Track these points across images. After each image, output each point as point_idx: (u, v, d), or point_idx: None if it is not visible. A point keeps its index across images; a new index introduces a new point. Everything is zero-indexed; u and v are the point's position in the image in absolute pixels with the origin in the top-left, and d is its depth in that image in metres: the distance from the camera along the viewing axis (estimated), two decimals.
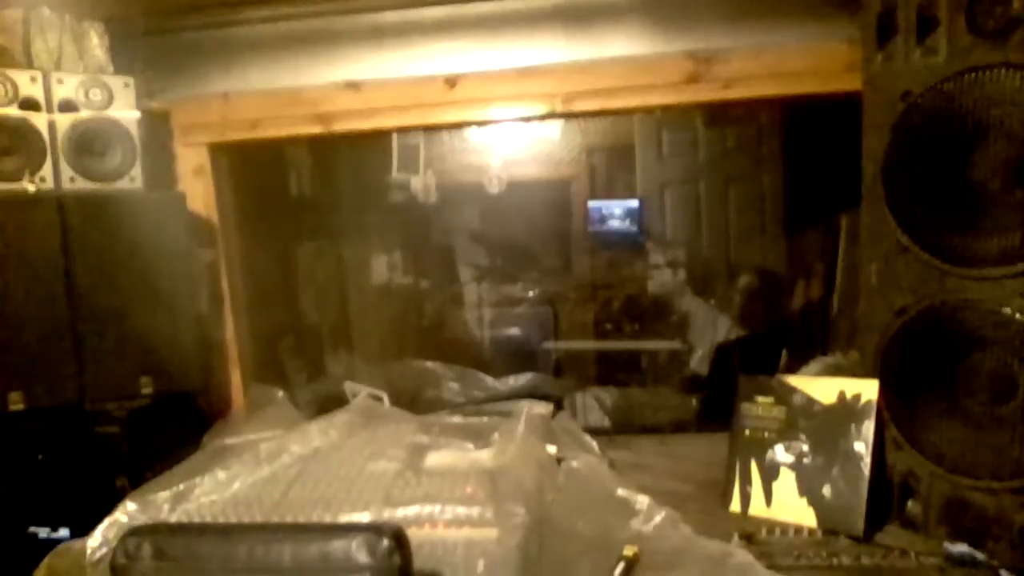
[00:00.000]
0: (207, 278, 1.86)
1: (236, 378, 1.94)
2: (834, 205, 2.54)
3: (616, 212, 3.39)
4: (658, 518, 1.33)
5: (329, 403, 1.87)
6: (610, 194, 3.57)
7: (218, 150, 1.88)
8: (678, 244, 3.40)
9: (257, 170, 2.18)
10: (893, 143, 1.28)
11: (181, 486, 1.41)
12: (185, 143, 1.85)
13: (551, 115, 1.71)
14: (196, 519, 1.33)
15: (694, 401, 2.64)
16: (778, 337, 2.60)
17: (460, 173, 3.39)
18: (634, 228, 3.37)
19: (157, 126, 1.78)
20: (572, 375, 2.87)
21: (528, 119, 1.76)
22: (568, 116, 1.73)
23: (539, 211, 3.64)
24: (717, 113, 3.20)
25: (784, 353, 2.53)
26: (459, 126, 1.85)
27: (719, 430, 1.87)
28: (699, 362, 2.83)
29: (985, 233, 1.19)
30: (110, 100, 1.59)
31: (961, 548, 1.24)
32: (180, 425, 1.69)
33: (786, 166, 3.07)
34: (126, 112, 1.60)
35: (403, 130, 1.82)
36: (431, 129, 1.85)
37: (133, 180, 1.62)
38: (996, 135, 1.16)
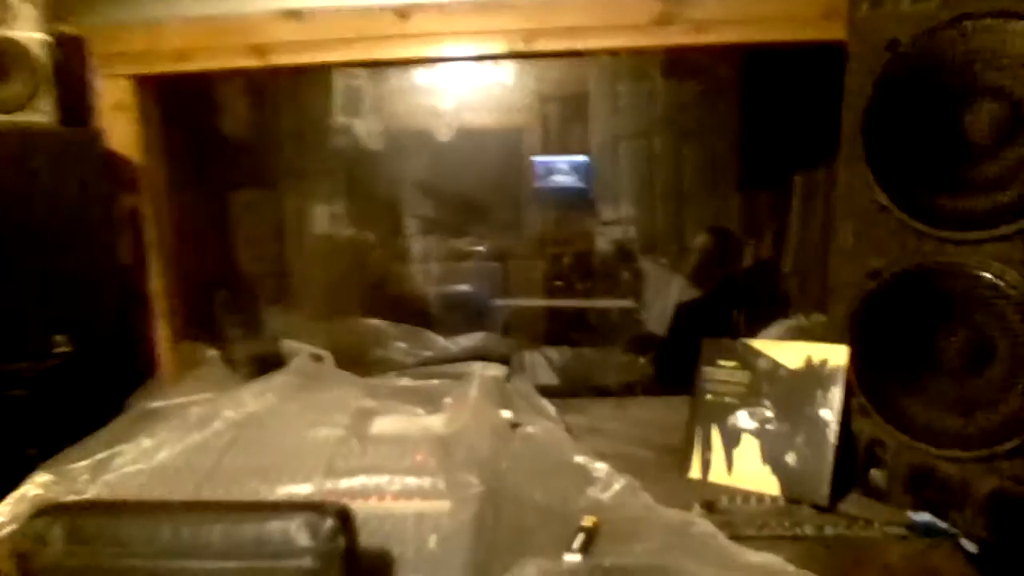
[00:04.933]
0: (130, 225, 1.70)
1: (163, 335, 1.79)
2: (791, 165, 2.50)
3: (563, 168, 3.28)
4: (617, 486, 1.28)
5: (266, 363, 1.76)
6: (564, 145, 3.46)
7: (143, 83, 1.70)
8: (631, 201, 3.32)
9: (188, 108, 2.00)
10: (876, 95, 1.21)
11: (101, 455, 1.30)
12: (105, 74, 1.66)
13: (512, 54, 1.59)
14: (118, 490, 1.22)
15: (646, 362, 2.60)
16: (733, 297, 2.57)
17: (407, 118, 3.23)
18: (582, 185, 3.26)
19: (70, 53, 1.58)
20: (522, 334, 2.80)
21: (486, 58, 1.63)
22: (530, 56, 1.61)
23: (489, 161, 3.51)
24: (675, 66, 3.10)
25: (735, 314, 2.50)
26: (410, 63, 1.71)
27: (672, 393, 1.84)
28: (651, 322, 2.79)
29: (970, 194, 1.13)
30: (9, 19, 1.39)
31: (924, 517, 1.22)
32: (100, 387, 1.55)
33: (745, 124, 3.01)
34: (29, 33, 1.41)
35: (348, 66, 1.68)
36: (379, 65, 1.70)
37: (42, 113, 1.44)
38: (988, 89, 1.09)
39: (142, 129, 1.70)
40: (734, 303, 2.50)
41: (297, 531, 0.91)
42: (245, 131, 2.47)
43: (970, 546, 1.18)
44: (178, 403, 1.51)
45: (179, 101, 1.88)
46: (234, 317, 2.07)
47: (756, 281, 2.61)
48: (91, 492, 1.22)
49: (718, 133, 3.10)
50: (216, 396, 1.49)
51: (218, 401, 1.44)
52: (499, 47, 1.58)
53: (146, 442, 1.32)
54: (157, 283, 1.77)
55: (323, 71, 2.41)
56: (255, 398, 1.45)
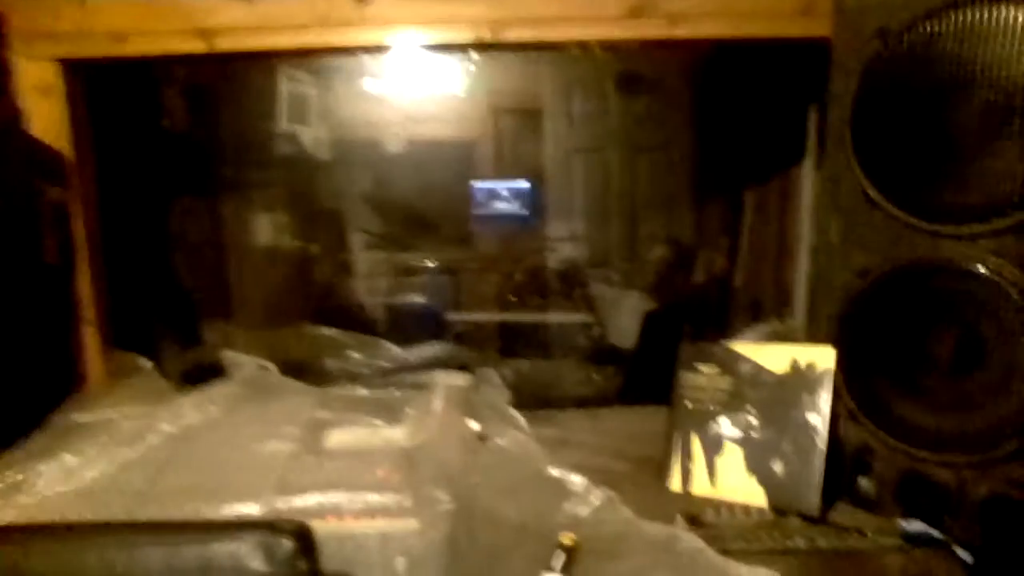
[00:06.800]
0: (57, 222, 1.54)
1: (92, 343, 1.63)
2: (748, 175, 2.50)
3: (503, 194, 3.16)
4: (596, 500, 1.19)
5: (206, 375, 1.61)
6: (516, 158, 3.39)
7: (74, 67, 1.55)
8: (585, 217, 3.26)
9: (126, 100, 1.85)
10: (864, 86, 1.17)
11: (16, 476, 1.16)
12: (28, 55, 1.50)
13: (477, 45, 1.50)
14: (36, 516, 1.07)
15: (604, 375, 2.54)
16: (694, 308, 2.54)
17: (355, 128, 3.12)
18: (525, 211, 3.15)
19: None
20: (477, 348, 2.71)
21: (450, 48, 1.54)
22: (496, 47, 1.53)
23: (440, 174, 3.41)
24: (629, 79, 3.09)
25: (688, 328, 2.46)
26: (368, 51, 1.60)
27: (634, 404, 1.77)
28: (610, 335, 2.74)
29: (963, 186, 1.09)
30: None
31: (917, 526, 1.17)
32: (18, 399, 1.38)
33: (701, 135, 3.00)
34: None
35: (300, 54, 1.57)
36: (334, 53, 1.59)
37: None
38: (981, 79, 1.06)
39: (70, 117, 1.54)
40: (696, 313, 2.46)
41: (250, 554, 0.79)
42: (187, 134, 2.32)
43: (965, 555, 1.13)
44: (108, 417, 1.37)
45: (115, 90, 1.74)
46: (172, 326, 1.92)
47: (716, 290, 2.58)
48: (3, 518, 1.07)
49: (674, 145, 3.09)
50: (151, 409, 1.35)
51: (153, 414, 1.31)
52: (465, 36, 1.49)
53: (70, 460, 1.18)
54: (86, 286, 1.60)
55: (269, 72, 2.29)
56: (195, 410, 1.32)
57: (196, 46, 1.49)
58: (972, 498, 1.12)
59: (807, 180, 2.11)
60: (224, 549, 0.80)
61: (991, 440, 1.09)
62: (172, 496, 1.11)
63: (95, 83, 1.65)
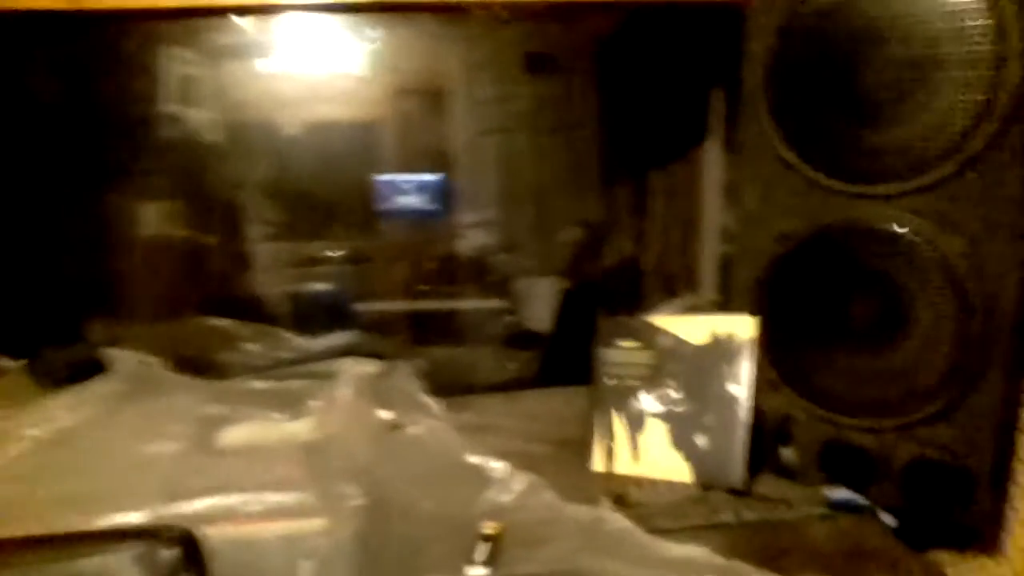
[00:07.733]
0: None
1: None
2: (650, 159, 2.49)
3: (410, 188, 3.03)
4: (518, 486, 1.13)
5: (89, 376, 1.45)
6: (422, 142, 3.27)
7: None
8: (494, 203, 3.18)
9: None
10: (780, 46, 1.14)
11: None
12: None
13: (372, 4, 1.40)
14: None
15: (520, 360, 2.48)
16: (603, 291, 2.51)
17: (249, 109, 2.94)
18: (435, 206, 3.02)
19: None
20: (390, 336, 2.59)
21: (347, 8, 1.43)
22: (396, 8, 1.43)
23: (340, 160, 3.26)
24: (536, 59, 3.03)
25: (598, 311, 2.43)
26: (252, 11, 1.47)
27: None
28: (526, 319, 2.68)
29: (879, 146, 1.08)
30: None
31: (842, 494, 1.16)
32: None
33: (606, 119, 2.98)
34: None
35: (180, 13, 1.42)
36: (214, 13, 1.45)
37: None
38: (897, 35, 1.04)
39: None
40: (610, 293, 2.43)
41: (125, 568, 0.68)
42: (59, 115, 2.10)
43: (889, 520, 1.12)
44: None
45: None
46: (48, 324, 1.72)
47: (628, 270, 2.56)
48: None
49: (582, 127, 3.06)
50: (15, 412, 1.19)
51: (17, 418, 1.15)
52: None
53: None
54: None
55: (153, 46, 2.10)
56: (67, 412, 1.18)
57: (58, 3, 1.33)
58: (894, 462, 1.12)
59: (712, 160, 2.12)
60: (94, 564, 0.68)
61: (912, 403, 1.09)
62: (42, 509, 0.98)
63: None
